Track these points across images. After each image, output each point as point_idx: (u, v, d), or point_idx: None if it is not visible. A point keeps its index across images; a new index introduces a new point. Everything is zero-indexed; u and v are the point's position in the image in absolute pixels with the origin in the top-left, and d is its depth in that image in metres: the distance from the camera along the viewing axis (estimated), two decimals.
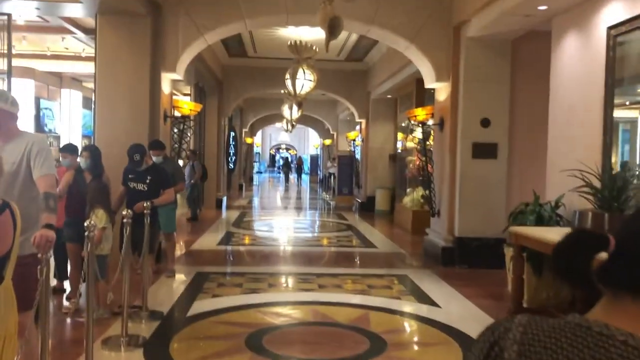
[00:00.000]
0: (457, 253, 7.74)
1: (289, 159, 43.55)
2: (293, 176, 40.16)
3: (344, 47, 13.65)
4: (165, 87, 7.95)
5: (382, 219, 14.01)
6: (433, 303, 5.78)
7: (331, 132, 25.06)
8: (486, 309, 5.60)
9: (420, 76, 11.01)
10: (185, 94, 17.57)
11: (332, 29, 5.51)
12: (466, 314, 5.42)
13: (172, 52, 7.79)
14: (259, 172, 43.36)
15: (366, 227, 12.28)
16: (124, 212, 4.63)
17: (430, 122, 8.40)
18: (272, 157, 54.07)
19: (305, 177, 36.52)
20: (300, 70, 11.42)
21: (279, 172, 39.47)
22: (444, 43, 7.90)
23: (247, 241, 9.84)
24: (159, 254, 7.19)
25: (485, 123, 7.72)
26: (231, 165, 16.98)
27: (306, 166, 38.84)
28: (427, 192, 8.35)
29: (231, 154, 16.84)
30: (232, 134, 17.37)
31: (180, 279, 6.73)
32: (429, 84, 8.32)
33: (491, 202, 7.75)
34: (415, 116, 8.13)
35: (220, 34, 8.31)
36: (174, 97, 8.33)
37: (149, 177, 5.66)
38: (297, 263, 7.89)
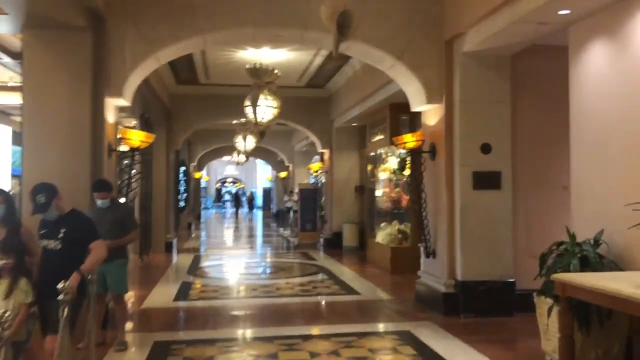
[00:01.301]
0: (461, 300, 6.66)
1: (239, 194, 42.05)
2: (243, 211, 38.67)
3: (305, 72, 12.64)
4: (110, 116, 6.63)
5: (352, 256, 12.87)
6: None
7: (286, 164, 23.93)
8: None
9: (395, 100, 10.16)
10: (126, 127, 16.11)
11: (342, 28, 4.34)
12: None
13: (117, 74, 6.49)
14: (206, 208, 41.57)
15: (338, 267, 11.09)
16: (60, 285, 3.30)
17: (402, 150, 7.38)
18: (218, 192, 52.32)
19: (257, 212, 35.06)
20: (261, 96, 10.33)
21: (225, 208, 37.91)
22: (435, 60, 6.96)
23: (208, 294, 8.45)
24: (105, 319, 5.77)
25: (486, 149, 6.77)
26: (181, 203, 15.48)
27: (258, 200, 37.44)
28: (421, 229, 7.28)
29: (181, 191, 15.36)
30: (183, 168, 15.91)
31: (134, 353, 5.33)
32: (418, 106, 7.34)
33: (496, 238, 6.76)
34: (404, 143, 7.10)
35: (175, 51, 7.09)
36: (120, 127, 7.01)
37: (62, 230, 3.97)
38: (275, 321, 6.60)
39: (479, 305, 6.63)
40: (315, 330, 6.09)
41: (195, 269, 11.16)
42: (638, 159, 4.57)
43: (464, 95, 6.76)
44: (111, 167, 6.67)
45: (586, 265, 4.60)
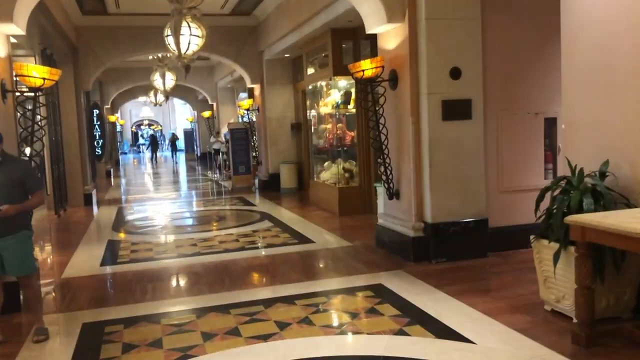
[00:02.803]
0: (432, 244, 6.02)
1: (156, 136, 39.79)
2: (163, 154, 36.74)
3: None
4: (0, 48, 5.21)
5: (292, 199, 12.04)
6: (456, 335, 3.98)
7: (210, 103, 22.39)
8: (528, 331, 3.93)
9: (337, 25, 9.12)
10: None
11: None
12: (519, 352, 3.68)
13: None
14: (124, 153, 39.20)
15: (281, 212, 10.24)
16: None
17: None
18: (135, 135, 49.49)
19: (180, 155, 33.33)
20: (184, 24, 8.95)
21: (141, 152, 35.73)
22: None
23: (141, 254, 7.36)
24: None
25: (456, 74, 5.98)
26: (98, 150, 13.90)
27: (180, 143, 35.57)
28: (381, 167, 6.49)
29: (97, 137, 13.76)
30: (96, 112, 14.23)
31: (58, 342, 4.29)
32: (375, 27, 6.37)
33: (468, 174, 6.10)
34: (361, 71, 6.15)
35: None
36: (15, 62, 5.58)
37: None
38: (227, 284, 5.68)
39: (451, 248, 6.03)
40: (276, 292, 5.25)
41: (120, 223, 9.95)
42: None
43: (430, 11, 5.86)
44: (8, 112, 5.33)
45: (596, 202, 3.98)
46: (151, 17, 11.57)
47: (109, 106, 21.54)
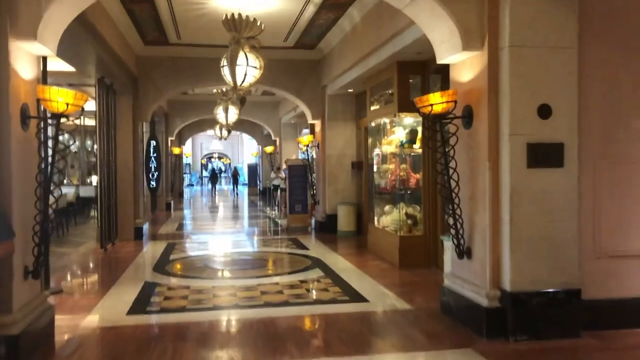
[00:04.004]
0: (511, 317, 4.92)
1: (215, 170, 40.16)
2: (228, 187, 36.83)
3: (294, 27, 10.69)
4: (23, 67, 4.70)
5: (349, 244, 11.11)
6: None
7: (273, 138, 22.01)
8: None
9: (404, 57, 8.29)
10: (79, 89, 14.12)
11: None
12: None
13: (28, 7, 4.56)
14: (191, 185, 39.61)
15: (335, 259, 9.32)
16: None
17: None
18: (204, 168, 50.34)
19: (242, 189, 33.19)
20: (241, 54, 8.40)
21: (207, 184, 36.01)
22: None
23: (174, 302, 6.61)
24: None
25: (545, 112, 4.97)
26: (153, 183, 13.56)
27: (242, 176, 35.56)
28: (449, 219, 5.50)
29: (152, 169, 13.43)
30: (153, 143, 13.96)
31: None
32: (448, 55, 5.48)
33: (558, 234, 5.00)
34: (429, 105, 5.25)
35: None
36: (43, 85, 5.07)
37: None
38: (260, 352, 4.80)
39: (535, 324, 4.91)
40: None
41: (164, 262, 9.33)
42: None
43: (516, 38, 4.91)
44: (28, 140, 4.78)
45: None
46: (212, 49, 11.20)
47: (173, 138, 21.57)
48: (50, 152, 4.91)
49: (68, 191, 15.18)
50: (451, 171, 5.38)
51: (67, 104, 4.71)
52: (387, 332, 5.42)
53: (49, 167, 4.84)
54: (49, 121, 4.93)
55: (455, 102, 5.30)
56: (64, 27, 5.11)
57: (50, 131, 4.98)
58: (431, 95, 5.30)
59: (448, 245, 6.21)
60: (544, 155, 4.96)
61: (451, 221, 5.45)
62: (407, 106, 8.50)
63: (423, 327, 5.39)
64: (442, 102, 5.26)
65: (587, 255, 5.13)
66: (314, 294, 6.89)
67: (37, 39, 4.59)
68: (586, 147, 5.09)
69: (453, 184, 5.37)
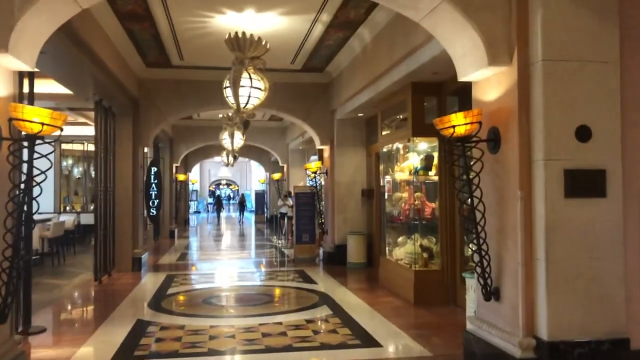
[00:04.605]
0: None
1: (221, 197, 39.66)
2: (235, 215, 36.24)
3: (301, 48, 10.22)
4: None
5: (359, 277, 10.43)
6: None
7: (280, 165, 21.50)
8: None
9: (419, 78, 7.75)
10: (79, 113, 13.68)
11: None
12: None
13: None
14: (197, 212, 39.07)
15: (344, 295, 8.64)
16: None
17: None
18: (213, 195, 49.91)
19: (249, 216, 32.58)
20: (245, 75, 7.92)
21: (213, 212, 35.38)
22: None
23: (165, 345, 5.96)
24: None
25: (584, 134, 4.35)
26: (153, 211, 13.00)
27: (250, 203, 35.04)
28: (473, 255, 4.85)
29: (152, 196, 12.88)
30: (154, 169, 13.43)
31: None
32: (470, 72, 4.91)
33: (601, 274, 4.34)
34: (451, 127, 4.67)
35: None
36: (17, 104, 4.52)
37: None
38: None
39: None
40: None
41: (161, 297, 8.69)
42: None
43: (549, 51, 4.33)
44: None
45: None
46: (217, 72, 10.73)
47: (178, 164, 21.10)
48: (23, 177, 4.35)
49: (67, 218, 14.67)
50: (476, 201, 4.76)
51: (43, 124, 4.16)
52: None
53: (22, 195, 4.27)
54: (24, 143, 4.38)
55: (480, 123, 4.70)
56: (44, 40, 4.60)
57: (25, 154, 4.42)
58: (453, 115, 4.71)
59: (471, 283, 5.55)
60: (583, 184, 4.33)
61: (476, 258, 4.81)
62: (422, 130, 7.96)
63: None
64: (466, 124, 4.67)
65: (635, 298, 4.45)
66: (321, 337, 6.20)
67: (9, 51, 4.06)
68: (633, 174, 4.46)
69: (478, 215, 4.74)
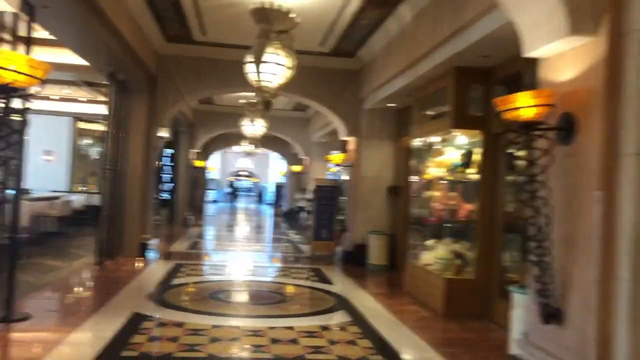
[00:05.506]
0: None
1: (236, 188, 38.92)
2: (252, 206, 35.59)
3: (332, 28, 9.39)
4: None
5: (381, 281, 9.59)
6: None
7: (301, 157, 20.70)
8: None
9: (464, 62, 6.84)
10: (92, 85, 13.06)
11: None
12: None
13: None
14: (215, 201, 38.49)
15: (365, 300, 7.80)
16: None
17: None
18: (232, 186, 49.36)
19: (267, 208, 31.88)
20: (269, 49, 7.14)
21: (230, 201, 34.56)
22: None
23: (158, 347, 5.22)
24: None
25: None
26: (164, 195, 12.26)
27: (267, 196, 34.37)
28: (534, 271, 3.99)
29: (165, 180, 12.15)
30: (169, 152, 12.71)
31: None
32: (542, 44, 4.03)
33: None
34: (516, 109, 3.81)
35: None
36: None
37: None
38: None
39: None
40: None
41: (164, 288, 7.94)
42: None
43: None
44: None
45: None
46: (239, 51, 9.89)
47: (198, 151, 20.41)
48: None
49: (77, 198, 14.08)
50: (540, 202, 3.89)
51: (18, 72, 3.41)
52: None
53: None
54: None
55: (551, 106, 3.83)
56: None
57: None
58: (519, 94, 3.85)
59: (520, 300, 4.68)
60: None
61: (536, 271, 3.94)
62: (464, 122, 7.07)
63: None
64: (534, 106, 3.81)
65: None
66: (338, 348, 5.37)
67: None
68: None
69: (543, 220, 3.87)
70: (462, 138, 7.63)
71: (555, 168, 3.91)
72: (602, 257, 3.54)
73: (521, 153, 4.19)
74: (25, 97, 3.62)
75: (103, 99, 13.88)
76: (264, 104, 8.07)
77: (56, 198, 12.53)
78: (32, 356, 4.57)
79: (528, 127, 3.92)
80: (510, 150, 5.89)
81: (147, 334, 5.48)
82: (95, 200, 15.52)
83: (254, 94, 11.36)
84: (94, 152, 19.73)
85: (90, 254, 10.09)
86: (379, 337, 5.77)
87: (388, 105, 10.43)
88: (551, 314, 3.89)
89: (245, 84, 8.33)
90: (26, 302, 6.39)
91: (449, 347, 5.58)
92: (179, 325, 5.86)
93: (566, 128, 3.89)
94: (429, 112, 8.43)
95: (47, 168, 17.24)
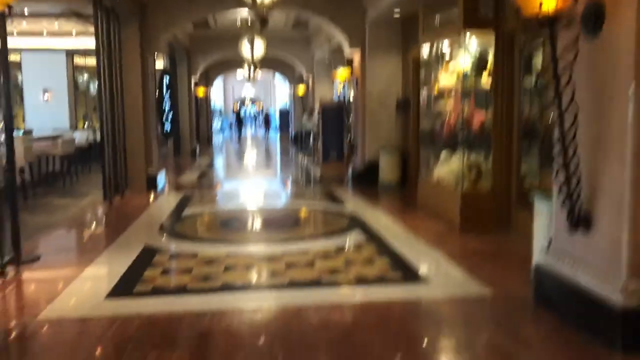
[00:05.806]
0: None
1: (241, 114, 38.29)
2: (259, 133, 35.30)
3: None
4: None
5: (394, 198, 9.45)
6: None
7: (305, 76, 20.10)
8: None
9: None
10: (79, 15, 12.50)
11: None
12: None
13: None
14: (222, 130, 38.19)
15: (379, 218, 7.66)
16: None
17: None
18: (237, 113, 48.82)
19: (274, 134, 31.59)
20: None
21: (236, 130, 34.10)
22: None
23: (171, 280, 5.13)
24: None
25: None
26: (166, 126, 11.99)
27: (274, 122, 34.00)
28: (560, 176, 3.73)
29: (165, 110, 11.83)
30: (167, 79, 12.30)
31: None
32: None
33: None
34: (538, 4, 3.40)
35: None
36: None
37: None
38: None
39: None
40: None
41: (175, 219, 7.84)
42: None
43: None
44: None
45: None
46: None
47: (197, 78, 19.86)
48: None
49: (79, 135, 13.83)
50: (566, 102, 3.56)
51: None
52: (462, 341, 3.76)
53: None
54: None
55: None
56: None
57: None
58: None
59: (544, 208, 4.45)
60: None
61: (562, 176, 3.68)
62: (475, 21, 6.59)
63: (513, 331, 3.72)
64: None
65: None
66: (355, 269, 5.24)
67: None
68: None
69: (568, 120, 3.56)
70: (473, 42, 7.16)
71: (580, 64, 3.55)
72: (636, 156, 3.26)
73: (540, 53, 3.82)
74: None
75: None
76: (260, 21, 7.60)
77: (59, 137, 12.27)
78: (48, 295, 4.47)
79: (551, 21, 3.52)
80: (529, 50, 5.48)
81: (159, 267, 5.37)
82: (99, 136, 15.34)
83: (249, 12, 10.79)
84: (92, 88, 19.31)
85: (98, 192, 9.96)
86: (395, 255, 5.64)
87: (393, 12, 9.79)
88: (580, 219, 3.66)
89: (240, 3, 7.82)
90: (36, 243, 6.29)
91: (469, 259, 5.44)
92: (192, 256, 5.74)
93: (593, 17, 3.49)
94: (437, 17, 7.90)
95: (47, 107, 16.91)
